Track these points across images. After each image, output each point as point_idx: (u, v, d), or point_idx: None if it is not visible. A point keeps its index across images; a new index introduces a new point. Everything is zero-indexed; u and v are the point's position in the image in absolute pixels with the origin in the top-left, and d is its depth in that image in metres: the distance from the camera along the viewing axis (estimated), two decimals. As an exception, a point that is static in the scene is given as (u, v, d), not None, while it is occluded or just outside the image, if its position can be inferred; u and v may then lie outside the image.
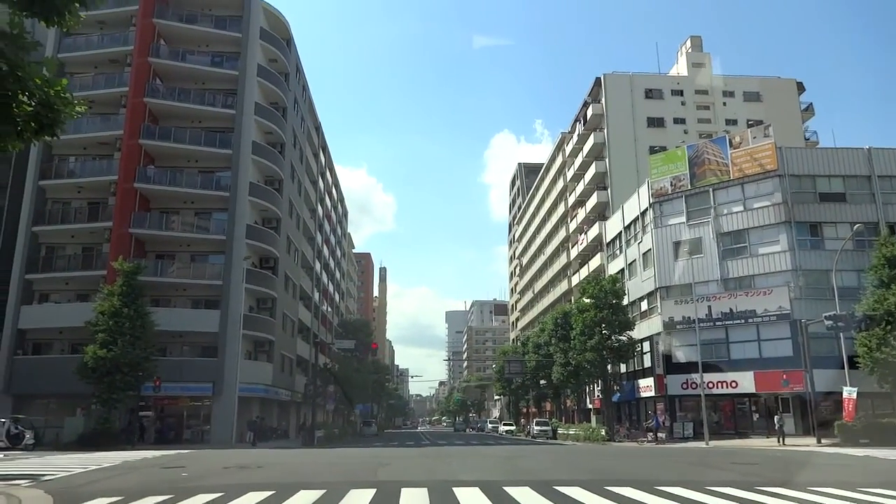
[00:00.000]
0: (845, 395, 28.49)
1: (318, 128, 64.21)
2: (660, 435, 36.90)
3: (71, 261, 40.61)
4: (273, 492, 11.03)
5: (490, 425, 79.69)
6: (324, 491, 11.14)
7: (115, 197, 40.03)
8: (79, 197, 41.48)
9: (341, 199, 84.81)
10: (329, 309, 69.97)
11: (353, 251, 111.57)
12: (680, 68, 65.22)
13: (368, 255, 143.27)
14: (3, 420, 30.61)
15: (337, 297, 77.94)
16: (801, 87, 62.73)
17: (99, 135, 41.40)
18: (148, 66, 42.07)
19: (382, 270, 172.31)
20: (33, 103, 7.14)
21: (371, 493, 10.85)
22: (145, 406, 36.81)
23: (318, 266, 61.80)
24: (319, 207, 63.78)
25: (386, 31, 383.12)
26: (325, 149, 68.41)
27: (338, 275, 79.07)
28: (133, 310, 34.06)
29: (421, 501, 9.85)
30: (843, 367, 29.40)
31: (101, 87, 41.97)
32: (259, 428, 38.13)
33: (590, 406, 54.21)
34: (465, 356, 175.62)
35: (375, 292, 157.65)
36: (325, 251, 68.32)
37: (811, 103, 63.39)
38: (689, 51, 65.11)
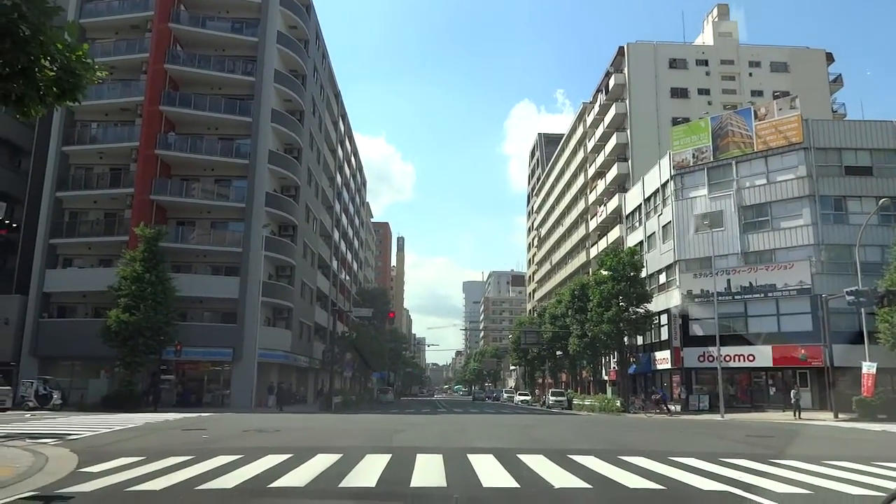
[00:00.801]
0: (864, 370, 28.31)
1: (337, 95, 63.92)
2: (671, 407, 36.98)
3: (94, 226, 41.16)
4: (291, 454, 11.27)
5: (506, 395, 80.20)
6: (341, 455, 11.36)
7: (137, 163, 40.33)
8: (101, 163, 41.86)
9: (360, 168, 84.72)
10: (347, 277, 70.43)
11: (372, 220, 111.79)
12: (706, 37, 63.82)
13: (387, 224, 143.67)
14: (32, 381, 31.48)
15: (355, 266, 78.35)
16: (830, 58, 61.15)
17: (120, 101, 41.55)
18: (168, 32, 41.99)
19: (400, 240, 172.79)
20: (55, 68, 7.18)
21: (387, 457, 11.05)
22: (167, 370, 37.60)
23: (336, 235, 62.05)
24: (338, 176, 63.79)
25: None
26: (344, 117, 68.18)
27: (356, 244, 79.38)
28: (154, 275, 34.57)
29: (436, 466, 10.01)
30: (863, 343, 29.17)
31: (122, 52, 42.00)
32: (282, 393, 38.81)
33: (605, 378, 54.39)
34: (481, 326, 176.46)
35: (393, 262, 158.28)
36: (344, 220, 68.52)
37: (840, 74, 61.89)
38: (716, 19, 63.60)
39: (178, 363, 38.15)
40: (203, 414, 28.31)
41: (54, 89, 7.38)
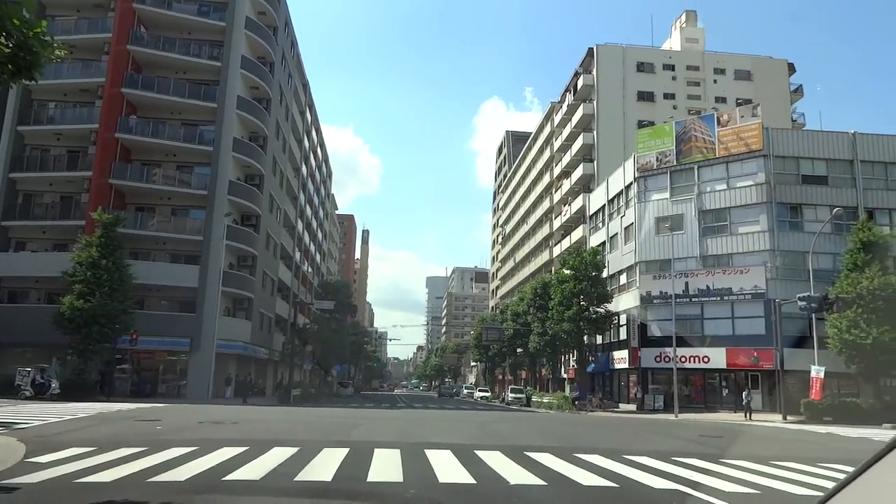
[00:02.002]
0: (813, 374, 29.20)
1: (305, 85, 63.22)
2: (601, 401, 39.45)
3: (49, 209, 40.03)
4: (247, 447, 11.15)
5: (465, 391, 79.94)
6: (297, 448, 11.27)
7: (96, 146, 39.31)
8: (58, 144, 40.70)
9: (326, 160, 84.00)
10: (310, 269, 69.83)
11: (337, 212, 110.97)
12: (673, 42, 64.85)
13: (352, 216, 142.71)
14: (28, 369, 30.62)
15: (318, 258, 77.72)
16: (791, 68, 62.74)
17: (80, 81, 40.44)
18: (133, 13, 40.96)
19: (365, 233, 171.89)
20: (11, 45, 6.95)
21: (344, 452, 11.00)
22: (121, 359, 36.80)
23: (300, 226, 61.47)
24: (304, 166, 63.14)
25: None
26: (311, 107, 67.48)
27: (320, 235, 78.73)
28: (111, 262, 33.74)
29: (393, 462, 10.01)
30: (813, 348, 30.08)
31: (83, 31, 40.84)
32: (240, 385, 38.32)
33: (564, 376, 55.01)
34: (444, 322, 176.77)
35: (357, 254, 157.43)
36: (308, 211, 67.89)
37: (801, 85, 63.53)
38: (684, 25, 64.69)
39: (134, 352, 37.36)
40: (158, 405, 27.78)
41: (9, 66, 7.14)
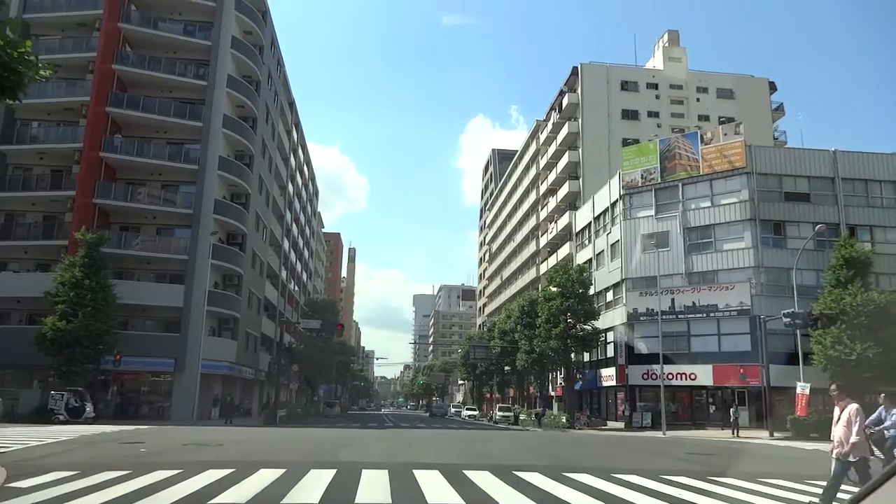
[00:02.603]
0: (798, 390, 29.32)
1: (291, 104, 63.32)
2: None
3: (31, 229, 39.56)
4: (233, 469, 10.99)
5: (453, 409, 78.20)
6: (284, 470, 11.13)
7: (80, 165, 39.00)
8: (41, 164, 40.35)
9: (312, 178, 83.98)
10: (296, 288, 69.47)
11: (323, 231, 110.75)
12: (656, 62, 65.71)
13: (338, 234, 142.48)
14: (62, 393, 30.14)
15: (304, 277, 77.38)
16: (773, 87, 63.76)
17: (64, 100, 40.21)
18: (118, 32, 40.91)
19: (352, 251, 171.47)
20: (-6, 65, 6.90)
21: (332, 473, 10.88)
22: (105, 380, 36.26)
23: (286, 244, 61.23)
24: (290, 185, 63.04)
25: (362, 7, 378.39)
26: (297, 125, 67.54)
27: (306, 254, 78.45)
28: (95, 281, 33.32)
29: (381, 483, 9.91)
30: (798, 364, 30.25)
31: (67, 50, 40.68)
32: (226, 405, 37.85)
33: (552, 393, 54.91)
34: (431, 340, 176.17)
35: (344, 273, 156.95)
36: (295, 229, 67.68)
37: (782, 103, 64.54)
38: (666, 45, 65.59)
39: (117, 373, 36.80)
40: (142, 427, 27.37)
41: (-7, 87, 7.10)
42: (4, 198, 39.14)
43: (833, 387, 8.54)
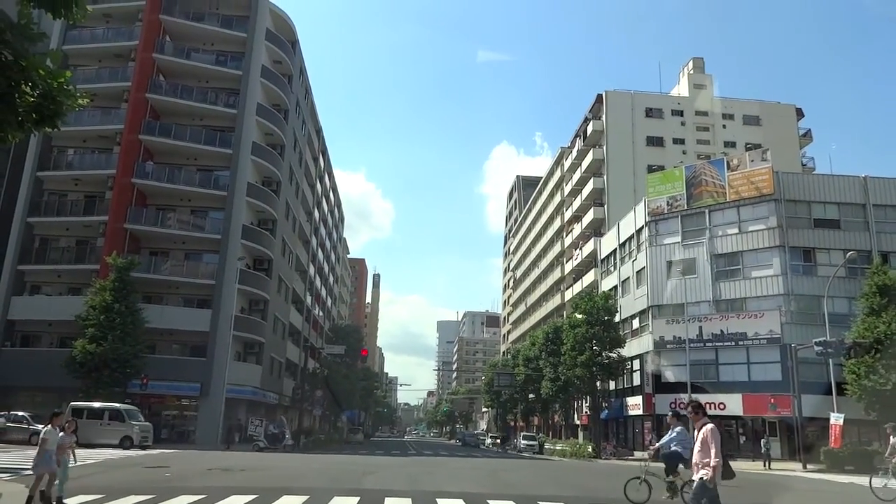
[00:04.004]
0: (832, 421, 28.54)
1: (318, 131, 64.26)
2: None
3: (64, 253, 40.43)
4: (256, 496, 10.99)
5: (479, 437, 75.40)
6: (307, 497, 11.09)
7: (112, 191, 39.91)
8: (76, 189, 41.37)
9: (338, 204, 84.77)
10: (321, 313, 69.76)
11: (348, 257, 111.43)
12: (681, 89, 65.61)
13: (363, 260, 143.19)
14: (260, 419, 30.77)
15: (329, 302, 77.71)
16: (800, 113, 63.17)
17: (99, 128, 41.33)
18: (152, 62, 42.08)
19: (376, 277, 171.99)
20: (35, 94, 7.12)
21: (355, 501, 10.82)
22: (132, 404, 36.55)
23: (311, 270, 61.67)
24: (316, 211, 63.70)
25: (390, 38, 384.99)
26: (324, 153, 68.44)
27: (331, 279, 78.90)
28: (124, 305, 33.88)
29: (405, 511, 9.80)
30: (831, 394, 29.48)
31: (104, 80, 41.94)
32: (234, 428, 37.21)
33: (577, 422, 54.12)
34: (454, 367, 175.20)
35: (368, 298, 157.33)
36: (320, 255, 68.19)
37: (809, 129, 63.81)
38: (691, 72, 65.52)
39: (144, 397, 37.14)
40: (167, 451, 27.51)
41: (34, 115, 7.31)
42: (40, 223, 40.12)
43: (689, 405, 8.20)
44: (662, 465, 12.60)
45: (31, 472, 9.69)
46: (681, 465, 12.30)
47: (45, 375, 35.26)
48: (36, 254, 40.05)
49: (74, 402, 29.52)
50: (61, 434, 10.15)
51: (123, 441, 28.54)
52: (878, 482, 16.01)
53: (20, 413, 30.21)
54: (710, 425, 7.53)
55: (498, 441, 64.06)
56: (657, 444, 13.24)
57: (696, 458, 7.50)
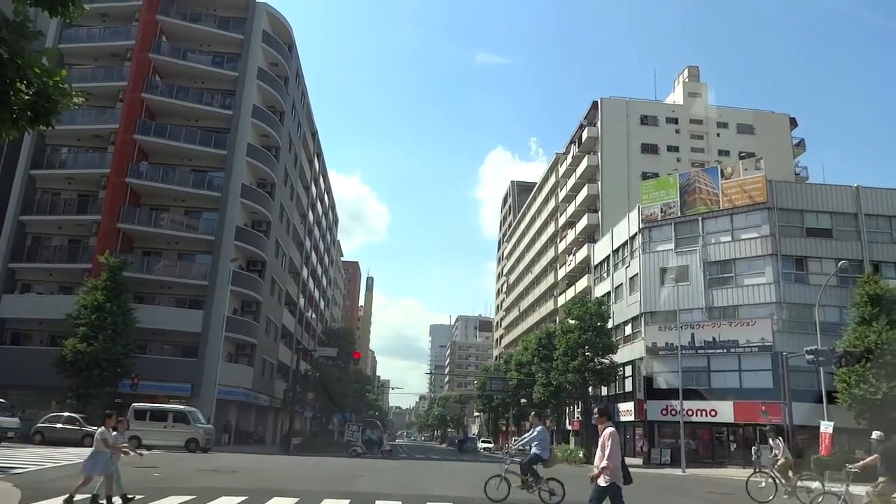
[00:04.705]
0: (822, 429, 28.62)
1: (314, 133, 64.24)
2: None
3: (56, 252, 40.26)
4: (245, 497, 10.96)
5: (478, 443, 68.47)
6: (297, 499, 11.07)
7: (106, 191, 39.80)
8: (69, 188, 41.22)
9: (332, 207, 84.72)
10: (313, 315, 69.63)
11: (342, 259, 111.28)
12: (676, 97, 65.94)
13: (356, 263, 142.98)
14: (357, 425, 30.67)
15: (322, 304, 77.59)
16: (793, 123, 63.56)
17: (94, 127, 41.23)
18: (148, 62, 42.02)
19: (369, 280, 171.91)
20: (31, 92, 7.11)
21: (345, 503, 10.80)
22: (122, 404, 36.37)
23: (305, 272, 61.57)
24: (310, 213, 63.66)
25: (388, 40, 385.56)
26: (319, 155, 68.41)
27: (324, 282, 78.78)
28: (116, 305, 33.74)
29: (395, 514, 9.80)
30: (822, 402, 29.59)
31: (99, 79, 41.87)
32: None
33: (569, 427, 54.15)
34: (447, 371, 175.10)
35: (361, 301, 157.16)
36: (314, 258, 68.11)
37: (803, 139, 64.25)
38: (686, 80, 65.86)
39: (134, 397, 36.92)
40: (156, 451, 27.38)
41: (28, 113, 7.30)
42: (32, 221, 39.97)
43: (596, 408, 8.39)
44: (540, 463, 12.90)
45: (82, 473, 9.73)
46: (539, 465, 12.71)
47: (35, 374, 35.07)
48: (28, 252, 39.86)
49: (136, 404, 29.26)
50: (115, 434, 10.15)
51: (189, 443, 28.14)
52: (756, 479, 16.86)
53: (73, 414, 30.07)
54: (610, 429, 7.62)
55: (491, 446, 64.08)
56: (517, 444, 13.68)
57: (596, 460, 7.59)
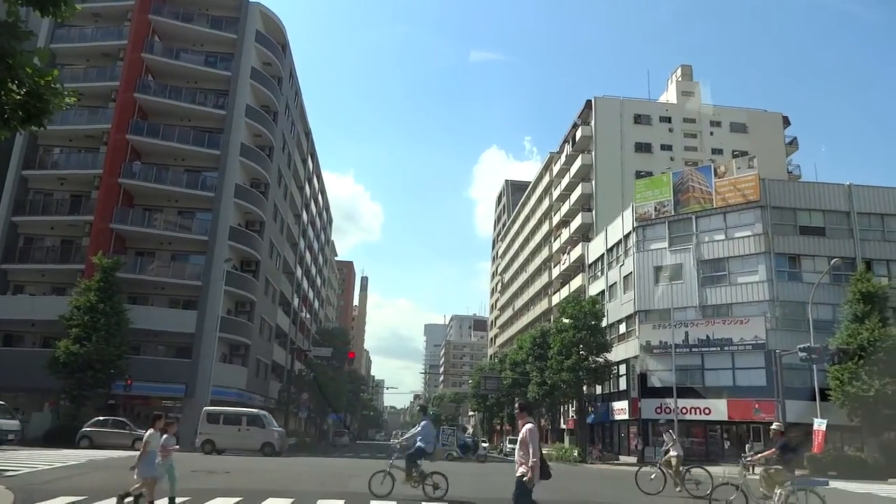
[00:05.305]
0: (815, 426, 28.77)
1: (307, 133, 64.13)
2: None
3: (49, 253, 40.08)
4: (241, 498, 10.94)
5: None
6: (292, 500, 11.06)
7: (99, 191, 39.64)
8: (61, 189, 41.04)
9: (327, 207, 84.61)
10: (308, 315, 69.53)
11: (336, 259, 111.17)
12: (669, 95, 66.10)
13: (351, 263, 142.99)
14: (452, 427, 30.39)
15: (316, 305, 77.49)
16: (786, 122, 63.82)
17: (86, 128, 41.05)
18: (140, 62, 41.86)
19: (364, 280, 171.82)
20: (22, 92, 7.08)
21: (340, 503, 10.78)
22: (115, 405, 36.29)
23: (299, 272, 61.48)
24: (304, 213, 63.55)
25: (382, 38, 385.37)
26: (313, 155, 68.31)
27: (318, 282, 78.68)
28: (109, 306, 33.61)
29: (390, 514, 9.79)
30: (815, 399, 29.73)
31: (91, 79, 41.69)
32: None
33: (564, 426, 54.22)
34: (441, 370, 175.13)
35: (356, 301, 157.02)
36: (308, 257, 68.01)
37: (795, 137, 64.51)
38: (680, 79, 66.05)
39: (128, 398, 36.88)
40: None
41: (20, 113, 7.27)
42: (24, 221, 39.77)
43: (517, 404, 8.46)
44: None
45: (136, 477, 9.69)
46: (422, 460, 12.99)
47: (27, 376, 34.89)
48: (20, 253, 39.66)
49: (208, 408, 28.99)
50: (164, 437, 10.10)
51: (265, 447, 27.79)
52: (645, 471, 17.30)
53: (121, 419, 29.89)
54: (529, 425, 7.62)
55: (486, 446, 64.01)
56: (402, 438, 13.91)
57: (517, 456, 7.60)
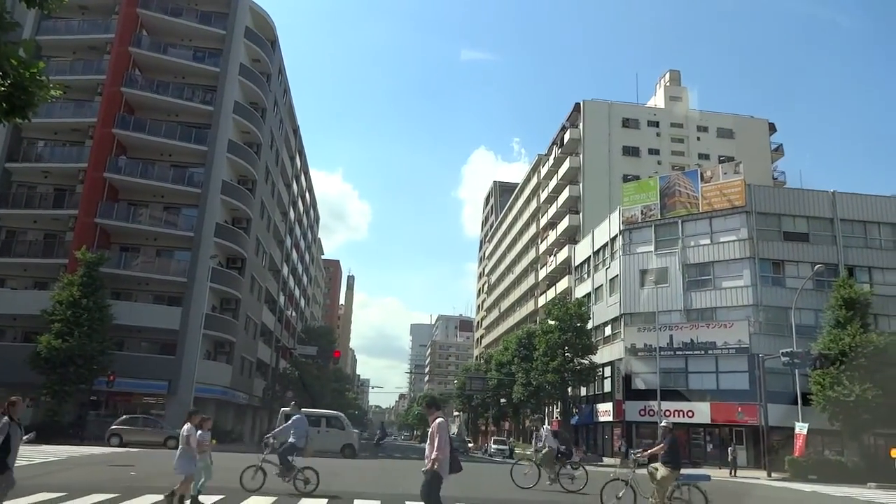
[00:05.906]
0: (797, 430, 29.10)
1: (296, 131, 63.88)
2: None
3: (31, 247, 39.56)
4: (223, 496, 10.87)
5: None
6: (274, 498, 11.01)
7: (83, 185, 39.21)
8: (45, 182, 40.57)
9: (314, 205, 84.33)
10: (293, 314, 69.25)
11: (323, 257, 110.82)
12: (657, 100, 66.51)
13: (337, 262, 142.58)
14: (546, 427, 29.79)
15: (302, 303, 77.19)
16: (772, 128, 64.43)
17: (72, 121, 40.59)
18: (128, 56, 41.48)
19: (350, 278, 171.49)
20: (7, 84, 7.00)
21: (323, 502, 10.75)
22: (97, 401, 35.94)
23: (285, 270, 61.21)
24: (291, 211, 63.28)
25: (371, 36, 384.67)
26: (301, 152, 68.05)
27: (305, 280, 78.39)
28: (92, 301, 33.25)
29: (373, 513, 9.77)
30: (797, 403, 30.06)
31: (78, 72, 41.21)
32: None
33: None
34: (427, 370, 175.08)
35: (342, 300, 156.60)
36: (294, 255, 67.72)
37: (781, 144, 65.13)
38: (668, 84, 66.47)
39: (110, 394, 36.52)
40: (133, 449, 27.05)
41: (4, 105, 7.17)
42: (7, 215, 39.25)
43: (424, 400, 8.58)
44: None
45: (176, 474, 9.60)
46: (295, 455, 13.03)
47: (8, 371, 34.35)
48: (2, 246, 39.11)
49: (285, 408, 28.57)
50: (200, 433, 9.99)
51: (345, 449, 27.33)
52: (521, 468, 17.98)
53: (151, 416, 29.48)
54: (439, 420, 7.65)
55: (470, 446, 64.17)
56: (274, 433, 13.85)
57: (427, 450, 7.64)
